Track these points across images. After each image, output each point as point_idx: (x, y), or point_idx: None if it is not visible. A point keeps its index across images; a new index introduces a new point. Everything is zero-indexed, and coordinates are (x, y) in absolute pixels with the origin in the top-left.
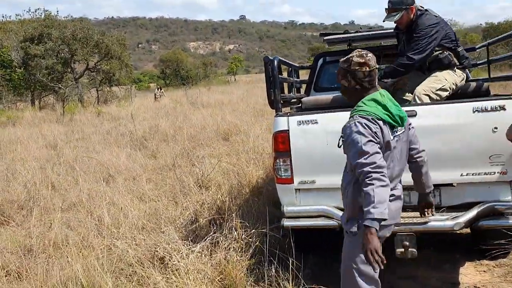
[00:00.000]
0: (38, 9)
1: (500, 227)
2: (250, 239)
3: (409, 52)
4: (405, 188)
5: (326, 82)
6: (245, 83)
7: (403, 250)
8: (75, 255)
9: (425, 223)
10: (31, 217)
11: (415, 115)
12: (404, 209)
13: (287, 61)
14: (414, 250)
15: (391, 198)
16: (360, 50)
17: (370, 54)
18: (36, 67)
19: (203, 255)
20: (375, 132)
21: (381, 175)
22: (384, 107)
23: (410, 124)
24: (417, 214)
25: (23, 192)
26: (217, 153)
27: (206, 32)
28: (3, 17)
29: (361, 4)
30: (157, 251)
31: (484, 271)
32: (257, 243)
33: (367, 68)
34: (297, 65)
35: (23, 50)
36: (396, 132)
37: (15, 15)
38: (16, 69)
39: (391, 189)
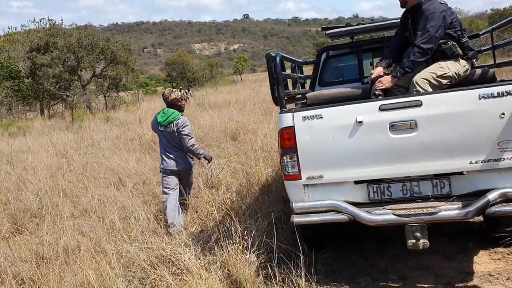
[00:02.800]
0: (43, 19)
1: None
2: (259, 238)
3: (419, 41)
4: (414, 179)
5: (330, 76)
6: (252, 82)
7: (414, 241)
8: (88, 261)
9: (436, 213)
10: (44, 225)
11: (420, 105)
12: (414, 199)
13: (289, 57)
14: (426, 240)
15: None
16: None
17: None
18: (44, 77)
19: (213, 255)
20: None
21: None
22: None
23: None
24: (428, 204)
25: (35, 201)
26: (226, 153)
27: (211, 33)
28: (9, 28)
29: None
30: (167, 253)
31: (498, 258)
32: (265, 239)
33: None
34: (300, 60)
35: (30, 60)
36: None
37: (20, 26)
38: (24, 79)
39: None
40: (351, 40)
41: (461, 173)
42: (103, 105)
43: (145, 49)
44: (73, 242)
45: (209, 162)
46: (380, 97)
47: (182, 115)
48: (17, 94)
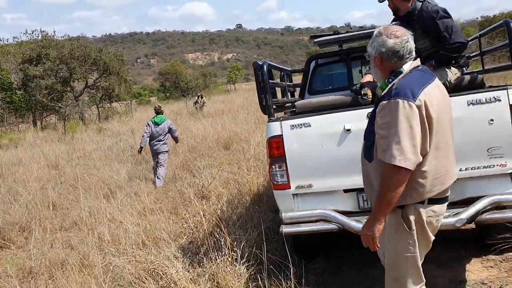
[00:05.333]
0: (35, 30)
1: (504, 220)
2: (249, 249)
3: (454, 38)
4: None
5: (319, 84)
6: (245, 91)
7: None
8: (74, 275)
9: None
10: (32, 238)
11: None
12: None
13: (278, 65)
14: None
15: None
16: None
17: None
18: (36, 88)
19: (202, 267)
20: None
21: None
22: None
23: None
24: None
25: (24, 214)
26: (218, 162)
27: (204, 43)
28: (1, 40)
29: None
30: (154, 267)
31: (491, 266)
32: (255, 251)
33: None
34: (289, 69)
35: (22, 71)
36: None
37: (12, 38)
38: (16, 91)
39: None
40: (339, 48)
41: None
42: (96, 116)
43: (138, 60)
44: (61, 255)
45: (177, 142)
46: (368, 100)
47: (167, 118)
48: (9, 106)
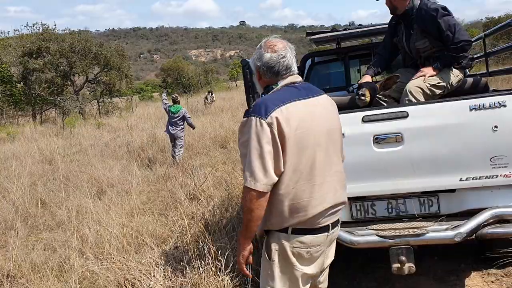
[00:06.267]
0: (36, 23)
1: (508, 236)
2: (234, 258)
3: (456, 37)
4: (400, 196)
5: (315, 84)
6: None
7: (399, 265)
8: (53, 280)
9: (423, 234)
10: (17, 238)
11: (406, 116)
12: (400, 218)
13: None
14: (412, 265)
15: None
16: None
17: None
18: (36, 81)
19: (184, 276)
20: None
21: None
22: None
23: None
24: (414, 224)
25: (10, 212)
26: (213, 161)
27: (207, 39)
28: (1, 32)
29: (362, 4)
30: (133, 274)
31: (491, 281)
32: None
33: None
34: None
35: (22, 65)
36: None
37: (13, 31)
38: (16, 84)
39: None
40: (337, 46)
41: (450, 191)
42: (96, 110)
43: (141, 55)
44: (41, 258)
45: (193, 128)
46: (366, 101)
47: (183, 107)
48: (9, 99)
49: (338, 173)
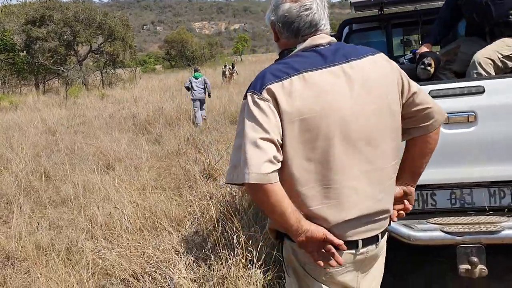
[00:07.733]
0: None
1: None
2: (266, 249)
3: None
4: (467, 185)
5: None
6: (252, 63)
7: (469, 267)
8: (59, 266)
9: (498, 232)
10: (20, 214)
11: (482, 92)
12: (465, 211)
13: None
14: (484, 267)
15: None
16: None
17: None
18: (39, 50)
19: (208, 267)
20: None
21: None
22: None
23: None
24: (486, 219)
25: (13, 185)
26: (225, 138)
27: (211, 11)
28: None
29: None
30: (150, 262)
31: None
32: (275, 253)
33: None
34: None
35: (25, 33)
36: None
37: None
38: (19, 52)
39: None
40: (379, 12)
41: None
42: (99, 81)
43: (144, 26)
44: (47, 238)
45: (209, 96)
46: (430, 73)
47: (203, 75)
48: (12, 68)
49: (378, 172)
